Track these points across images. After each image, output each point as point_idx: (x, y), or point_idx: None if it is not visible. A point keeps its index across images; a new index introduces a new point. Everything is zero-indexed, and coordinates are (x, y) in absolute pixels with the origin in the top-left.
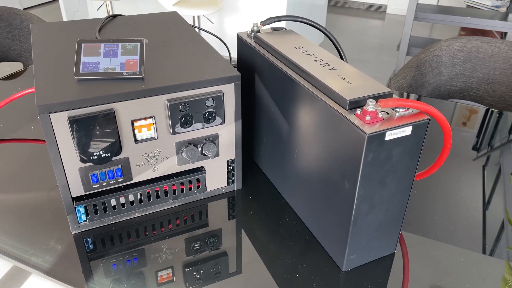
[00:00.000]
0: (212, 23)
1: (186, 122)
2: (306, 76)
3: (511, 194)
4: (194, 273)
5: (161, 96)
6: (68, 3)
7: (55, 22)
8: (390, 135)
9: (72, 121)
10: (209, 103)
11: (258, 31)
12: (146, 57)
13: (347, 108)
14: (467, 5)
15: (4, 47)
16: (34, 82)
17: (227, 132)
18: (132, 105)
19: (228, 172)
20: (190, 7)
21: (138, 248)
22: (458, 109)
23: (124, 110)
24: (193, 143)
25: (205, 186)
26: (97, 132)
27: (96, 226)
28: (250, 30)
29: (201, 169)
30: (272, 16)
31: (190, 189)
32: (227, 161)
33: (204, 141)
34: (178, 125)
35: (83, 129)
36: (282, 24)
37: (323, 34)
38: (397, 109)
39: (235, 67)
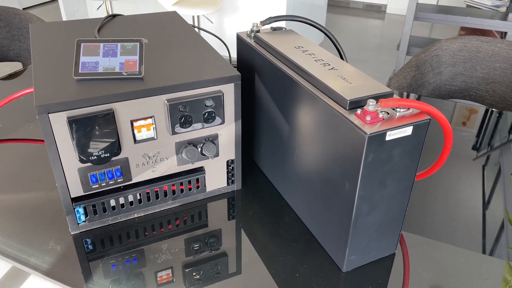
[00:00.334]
0: (212, 23)
1: (186, 122)
2: (306, 76)
3: (511, 194)
4: (194, 274)
5: (161, 96)
6: (67, 3)
7: (54, 22)
8: (390, 135)
9: (71, 121)
10: (209, 103)
11: (258, 31)
12: (146, 57)
13: (347, 108)
14: (467, 4)
15: (3, 47)
16: (33, 82)
17: (227, 132)
18: (132, 105)
19: (228, 172)
20: (189, 7)
21: (138, 248)
22: (458, 109)
23: (123, 110)
24: (193, 143)
25: (205, 186)
26: (96, 132)
27: (95, 227)
28: (249, 29)
29: (200, 169)
30: (272, 16)
31: (190, 189)
32: (227, 161)
33: (203, 141)
34: (178, 125)
35: (82, 129)
36: (282, 23)
37: (323, 34)
38: (398, 109)
39: (234, 67)
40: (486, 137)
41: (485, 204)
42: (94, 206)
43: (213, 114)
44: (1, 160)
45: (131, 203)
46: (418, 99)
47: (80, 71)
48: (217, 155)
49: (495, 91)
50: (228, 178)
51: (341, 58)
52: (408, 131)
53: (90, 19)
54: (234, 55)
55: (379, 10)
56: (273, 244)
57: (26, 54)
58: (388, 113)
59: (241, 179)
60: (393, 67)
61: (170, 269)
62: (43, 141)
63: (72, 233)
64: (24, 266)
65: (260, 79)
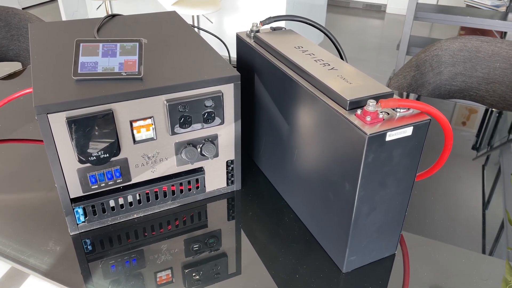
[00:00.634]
0: (212, 22)
1: (185, 122)
2: (306, 76)
3: (511, 194)
4: (194, 274)
5: (160, 96)
6: (67, 2)
7: (54, 22)
8: (390, 136)
9: (70, 122)
10: (208, 103)
11: (258, 31)
12: (145, 57)
13: (347, 109)
14: (467, 4)
15: (2, 46)
16: (32, 82)
17: (227, 133)
18: (131, 106)
19: (227, 172)
20: (189, 7)
21: (137, 249)
22: (458, 109)
23: (122, 111)
24: (192, 143)
25: (205, 186)
26: (96, 133)
27: (94, 227)
28: (249, 29)
29: (200, 170)
30: (272, 16)
31: (189, 189)
32: (227, 162)
33: (203, 141)
34: (177, 125)
35: (81, 129)
36: (281, 23)
37: (323, 34)
38: (398, 110)
39: (234, 67)
40: (486, 137)
41: (485, 204)
42: (93, 206)
43: (213, 115)
44: (1, 160)
45: (131, 203)
46: (418, 99)
47: (79, 71)
48: (216, 155)
49: (495, 91)
50: (227, 179)
51: (341, 58)
52: (408, 131)
53: (90, 19)
54: (233, 55)
55: (379, 10)
56: (272, 245)
57: (26, 54)
58: (388, 114)
59: (241, 180)
60: (393, 67)
61: (170, 270)
62: (42, 141)
63: (71, 234)
64: (23, 266)
65: (260, 79)
